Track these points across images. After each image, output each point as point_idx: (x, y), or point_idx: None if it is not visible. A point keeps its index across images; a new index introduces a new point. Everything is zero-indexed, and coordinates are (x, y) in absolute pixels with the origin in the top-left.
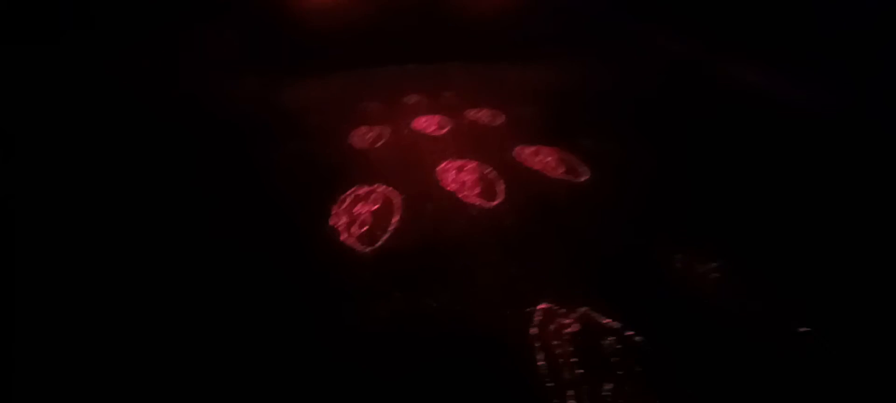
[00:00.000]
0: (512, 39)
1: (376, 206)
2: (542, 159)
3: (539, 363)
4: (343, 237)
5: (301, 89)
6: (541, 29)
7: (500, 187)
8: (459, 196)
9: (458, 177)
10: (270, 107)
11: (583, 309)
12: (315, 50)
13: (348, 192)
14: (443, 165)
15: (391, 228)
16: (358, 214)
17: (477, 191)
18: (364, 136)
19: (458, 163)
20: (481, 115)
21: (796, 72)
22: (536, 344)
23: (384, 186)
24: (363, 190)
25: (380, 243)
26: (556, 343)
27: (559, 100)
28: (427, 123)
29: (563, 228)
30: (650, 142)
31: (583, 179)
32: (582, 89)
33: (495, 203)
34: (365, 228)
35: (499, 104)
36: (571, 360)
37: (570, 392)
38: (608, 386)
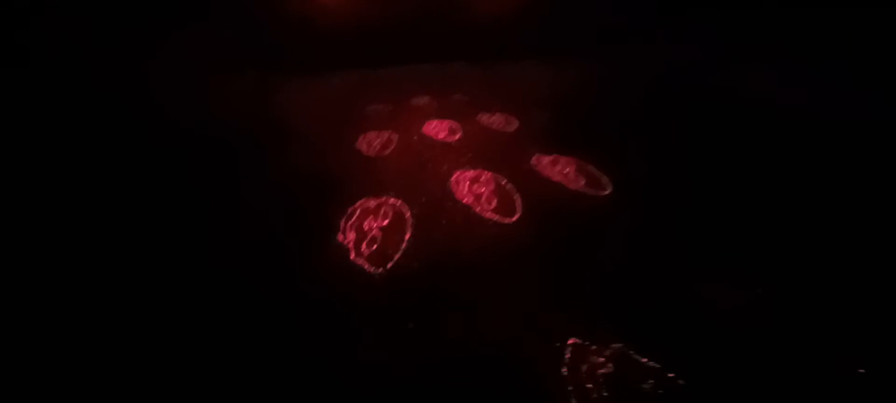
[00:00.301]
0: (521, 40)
1: (386, 222)
2: (561, 170)
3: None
4: (353, 256)
5: (303, 90)
6: (549, 30)
7: (518, 200)
8: (475, 210)
9: (473, 188)
10: (272, 110)
11: (617, 346)
12: (318, 49)
13: (357, 204)
14: (456, 175)
15: (404, 246)
16: (368, 230)
17: (493, 204)
18: (371, 143)
19: (473, 173)
20: (494, 120)
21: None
22: (569, 388)
23: (394, 198)
24: (372, 202)
25: (391, 264)
26: (589, 386)
27: (573, 104)
28: (437, 128)
29: (588, 248)
30: (672, 150)
31: (606, 193)
32: (594, 92)
33: (514, 219)
34: (375, 247)
35: (511, 108)
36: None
37: None
38: None
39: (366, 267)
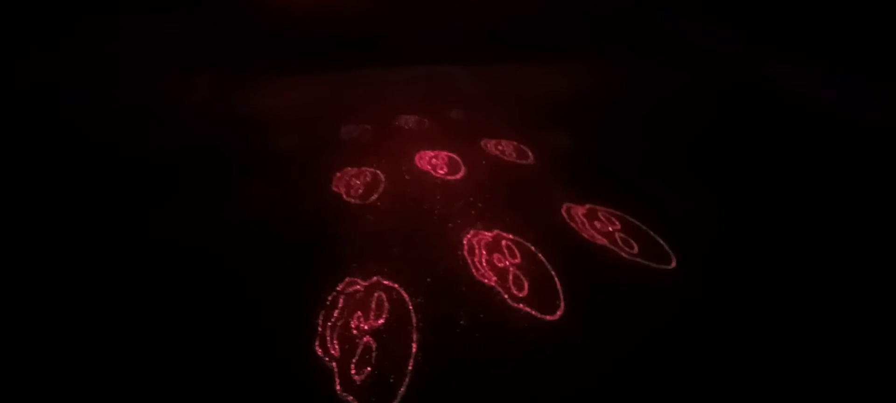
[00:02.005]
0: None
1: (382, 321)
2: (603, 227)
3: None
4: (338, 388)
5: (262, 97)
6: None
7: (556, 282)
8: (502, 295)
9: (495, 259)
10: (223, 126)
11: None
12: (294, 52)
13: (340, 287)
14: (469, 237)
15: (409, 369)
16: (356, 335)
17: (524, 291)
18: (351, 184)
19: (491, 234)
20: (504, 149)
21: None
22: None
23: (389, 279)
24: (360, 285)
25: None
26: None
27: (538, 102)
28: (433, 162)
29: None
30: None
31: (670, 266)
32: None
33: (557, 315)
34: (368, 370)
35: (523, 131)
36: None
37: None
38: None
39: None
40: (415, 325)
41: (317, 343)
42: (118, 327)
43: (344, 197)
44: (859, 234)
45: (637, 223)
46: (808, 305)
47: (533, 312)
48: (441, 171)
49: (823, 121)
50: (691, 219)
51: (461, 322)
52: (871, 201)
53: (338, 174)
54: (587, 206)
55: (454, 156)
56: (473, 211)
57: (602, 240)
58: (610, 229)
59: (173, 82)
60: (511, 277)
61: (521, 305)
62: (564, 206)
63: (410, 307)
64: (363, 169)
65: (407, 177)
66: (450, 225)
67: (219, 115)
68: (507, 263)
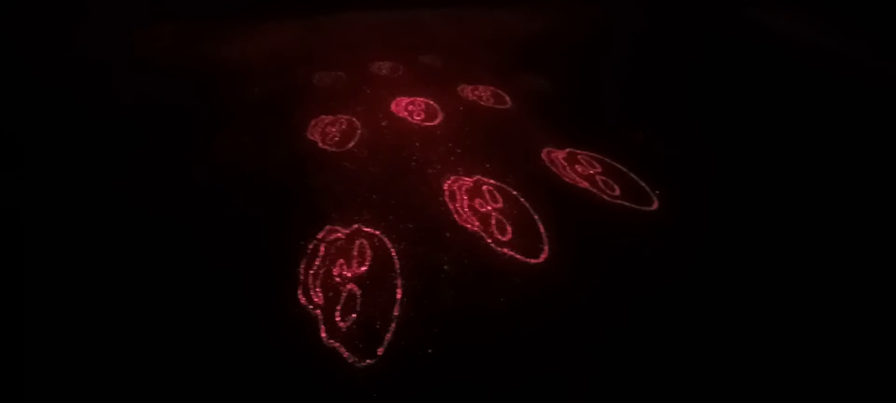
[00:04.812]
0: None
1: (365, 268)
2: (585, 170)
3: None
4: (324, 335)
5: (231, 44)
6: None
7: (539, 225)
8: (485, 240)
9: (477, 204)
10: (190, 75)
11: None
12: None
13: (320, 235)
14: (449, 183)
15: (395, 314)
16: (339, 282)
17: (508, 235)
18: (327, 132)
19: (471, 180)
20: (481, 94)
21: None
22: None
23: (371, 227)
24: (341, 233)
25: (383, 350)
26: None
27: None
28: (410, 108)
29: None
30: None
31: (652, 208)
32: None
33: (542, 258)
34: (354, 317)
35: (498, 75)
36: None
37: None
38: None
39: (345, 355)
40: (398, 271)
41: (299, 291)
42: (94, 299)
43: (320, 144)
44: (837, 173)
45: (617, 165)
46: (793, 247)
47: (517, 256)
48: (418, 118)
49: (801, 62)
50: (671, 161)
51: (445, 267)
52: (850, 141)
53: (312, 122)
54: (567, 150)
55: (431, 102)
56: (453, 157)
57: (584, 184)
58: (591, 172)
59: (137, 30)
60: (494, 222)
61: (505, 249)
62: (545, 150)
63: (393, 253)
64: (339, 116)
65: (383, 123)
66: (430, 171)
67: (184, 65)
68: (490, 208)
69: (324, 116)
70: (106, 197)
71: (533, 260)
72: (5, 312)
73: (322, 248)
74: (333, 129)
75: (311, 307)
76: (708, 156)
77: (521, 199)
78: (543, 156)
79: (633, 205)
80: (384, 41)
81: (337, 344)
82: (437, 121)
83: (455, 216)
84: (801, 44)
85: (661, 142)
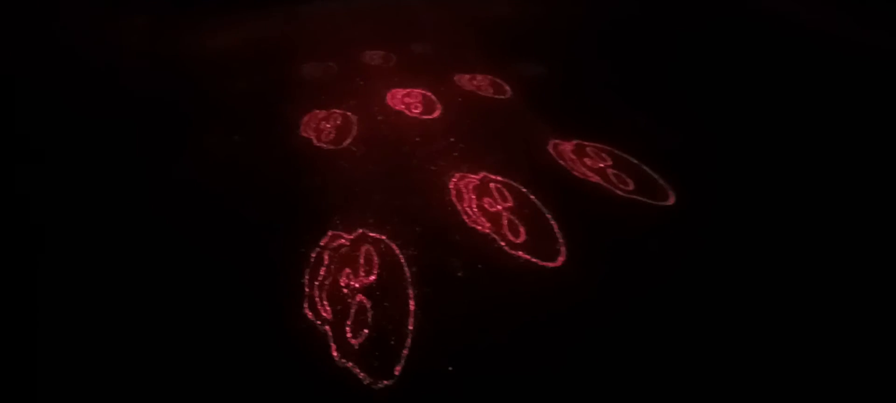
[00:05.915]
0: None
1: (373, 278)
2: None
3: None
4: (335, 353)
5: (227, 31)
6: None
7: (554, 225)
8: (498, 243)
9: (485, 202)
10: (169, 69)
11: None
12: None
13: (324, 241)
14: (455, 181)
15: (410, 329)
16: (346, 294)
17: (521, 237)
18: (321, 128)
19: (476, 177)
20: (478, 84)
21: None
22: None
23: (376, 232)
24: (345, 239)
25: (400, 369)
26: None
27: (503, 30)
28: (407, 100)
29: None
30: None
31: (669, 202)
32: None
33: (559, 262)
34: (366, 332)
35: (494, 61)
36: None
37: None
38: None
39: (360, 375)
40: (409, 279)
41: (306, 305)
42: (89, 313)
43: (315, 142)
44: (850, 157)
45: (628, 157)
46: (820, 241)
47: (533, 259)
48: (416, 110)
49: (806, 44)
50: (683, 152)
51: (458, 273)
52: (858, 123)
53: (305, 118)
54: (574, 142)
55: (428, 93)
56: (456, 153)
57: (595, 178)
58: (601, 165)
59: (111, 21)
60: (505, 222)
61: (519, 252)
62: (551, 143)
63: (402, 260)
64: (332, 111)
65: (380, 117)
66: (432, 168)
67: (163, 59)
68: (499, 207)
69: (317, 111)
70: (88, 197)
71: (550, 264)
72: None
73: (326, 256)
74: (328, 125)
75: (319, 322)
76: (719, 143)
77: (532, 197)
78: (550, 149)
79: (649, 201)
80: (372, 29)
81: (350, 364)
82: (436, 114)
83: (464, 217)
84: (806, 27)
85: (666, 129)
